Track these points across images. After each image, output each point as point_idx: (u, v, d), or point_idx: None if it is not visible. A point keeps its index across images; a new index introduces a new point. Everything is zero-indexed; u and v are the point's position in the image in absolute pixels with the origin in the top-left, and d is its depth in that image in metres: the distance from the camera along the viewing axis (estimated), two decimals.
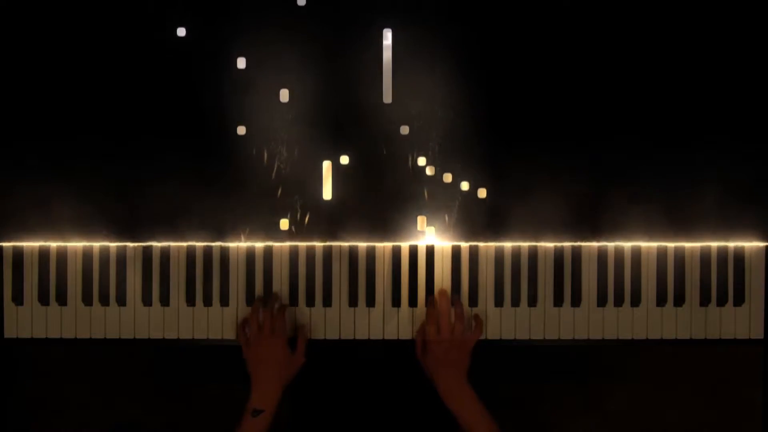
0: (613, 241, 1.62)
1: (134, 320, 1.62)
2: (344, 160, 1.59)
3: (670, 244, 1.62)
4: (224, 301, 1.62)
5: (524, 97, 1.61)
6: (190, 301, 1.62)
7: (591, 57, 1.61)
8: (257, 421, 1.50)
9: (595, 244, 1.62)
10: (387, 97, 1.59)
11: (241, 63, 1.59)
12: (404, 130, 1.60)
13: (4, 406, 1.85)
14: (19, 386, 1.85)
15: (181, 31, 1.58)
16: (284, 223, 1.60)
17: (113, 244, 1.61)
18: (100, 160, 1.60)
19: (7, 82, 1.60)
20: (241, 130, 1.59)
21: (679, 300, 1.62)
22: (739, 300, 1.63)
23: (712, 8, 1.61)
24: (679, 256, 1.63)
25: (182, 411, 1.86)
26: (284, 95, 1.60)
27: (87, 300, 1.61)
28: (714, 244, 1.63)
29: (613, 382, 1.87)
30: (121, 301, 1.61)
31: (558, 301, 1.62)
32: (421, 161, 1.60)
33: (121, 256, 1.61)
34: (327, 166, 1.58)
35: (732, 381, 1.88)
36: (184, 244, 1.61)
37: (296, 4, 1.59)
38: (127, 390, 1.86)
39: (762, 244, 1.63)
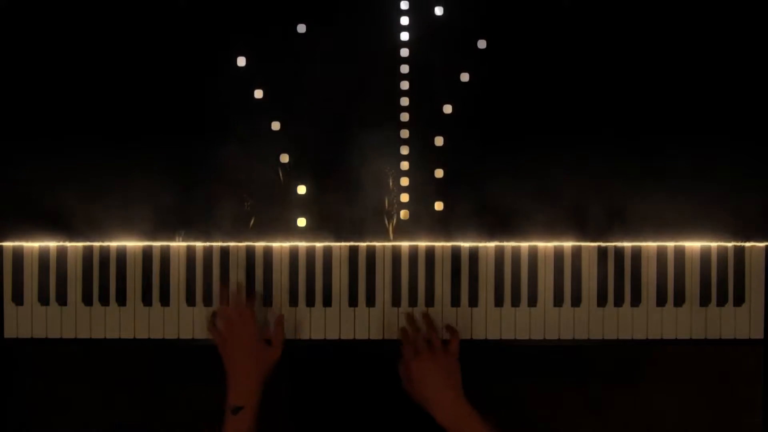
0: (613, 241, 1.62)
1: (134, 320, 1.62)
2: None
3: (670, 244, 1.62)
4: (224, 301, 1.61)
5: (523, 97, 1.61)
6: (190, 301, 1.62)
7: (597, 58, 1.61)
8: (239, 418, 1.45)
9: (594, 244, 1.62)
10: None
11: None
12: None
13: (4, 406, 1.85)
14: (19, 386, 1.85)
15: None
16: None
17: (113, 244, 1.61)
18: (100, 160, 1.60)
19: (7, 83, 1.60)
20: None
21: (679, 300, 1.62)
22: (739, 300, 1.63)
23: (713, 8, 1.61)
24: (679, 256, 1.63)
25: (182, 411, 1.86)
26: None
27: (87, 300, 1.61)
28: (714, 244, 1.63)
29: (613, 382, 1.87)
30: (121, 301, 1.61)
31: (558, 301, 1.62)
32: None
33: (121, 256, 1.61)
34: None
35: (732, 381, 1.88)
36: (184, 244, 1.61)
37: (297, 193, 1.61)
38: (127, 390, 1.86)
39: (762, 244, 1.63)
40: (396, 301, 1.62)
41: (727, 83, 1.61)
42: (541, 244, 1.62)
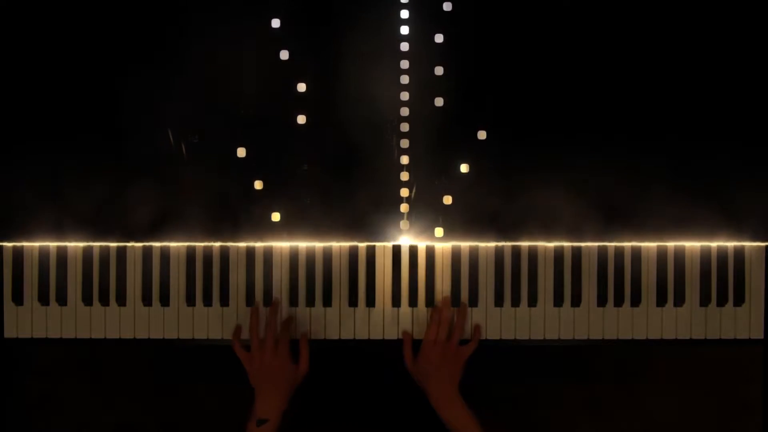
0: (613, 241, 1.62)
1: (134, 320, 1.62)
2: None
3: (670, 244, 1.62)
4: (224, 301, 1.62)
5: (525, 97, 1.61)
6: (190, 301, 1.62)
7: (600, 57, 1.61)
8: (262, 430, 1.48)
9: (595, 244, 1.62)
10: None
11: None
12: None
13: (4, 406, 1.85)
14: (19, 386, 1.85)
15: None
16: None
17: (113, 244, 1.61)
18: (99, 160, 1.60)
19: (7, 84, 1.60)
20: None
21: (679, 300, 1.62)
22: (739, 300, 1.63)
23: (715, 8, 1.61)
24: (679, 256, 1.63)
25: (182, 411, 1.86)
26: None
27: (87, 300, 1.61)
28: (714, 244, 1.63)
29: (613, 382, 1.87)
30: (121, 301, 1.61)
31: (558, 301, 1.62)
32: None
33: (121, 256, 1.61)
34: None
35: (732, 381, 1.88)
36: (184, 244, 1.61)
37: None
38: (127, 390, 1.86)
39: (762, 244, 1.63)
40: (396, 301, 1.62)
41: (727, 84, 1.61)
42: (541, 244, 1.62)
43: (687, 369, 1.87)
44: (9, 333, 1.62)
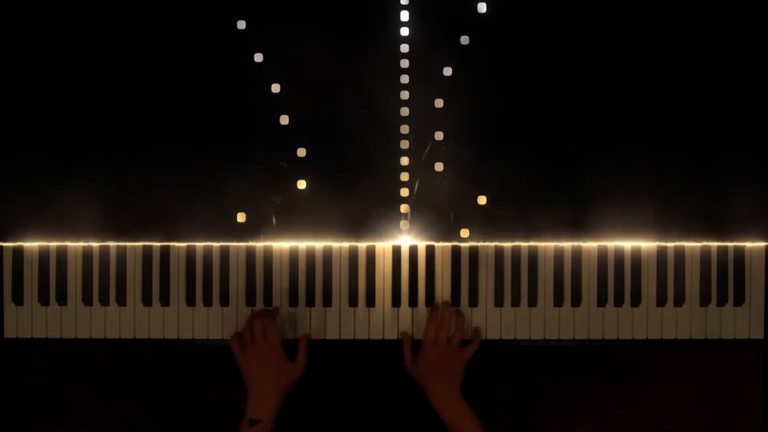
0: (613, 241, 1.62)
1: (134, 320, 1.62)
2: None
3: (670, 244, 1.62)
4: (224, 301, 1.62)
5: (526, 96, 1.61)
6: (190, 301, 1.62)
7: (593, 57, 1.61)
8: (255, 430, 1.46)
9: (595, 244, 1.62)
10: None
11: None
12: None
13: (4, 406, 1.85)
14: (19, 386, 1.85)
15: None
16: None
17: (113, 244, 1.61)
18: (99, 160, 1.60)
19: (7, 83, 1.60)
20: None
21: (679, 300, 1.62)
22: (739, 300, 1.63)
23: (716, 8, 1.62)
24: (679, 256, 1.63)
25: (182, 411, 1.86)
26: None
27: (87, 300, 1.61)
28: (714, 244, 1.63)
29: (613, 382, 1.87)
30: (121, 301, 1.61)
31: (558, 301, 1.62)
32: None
33: (121, 256, 1.61)
34: None
35: (732, 381, 1.88)
36: (184, 244, 1.61)
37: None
38: (127, 390, 1.86)
39: (762, 244, 1.63)
40: (396, 301, 1.62)
41: (727, 84, 1.61)
42: (541, 244, 1.62)
43: (687, 369, 1.88)
44: (9, 333, 1.62)
